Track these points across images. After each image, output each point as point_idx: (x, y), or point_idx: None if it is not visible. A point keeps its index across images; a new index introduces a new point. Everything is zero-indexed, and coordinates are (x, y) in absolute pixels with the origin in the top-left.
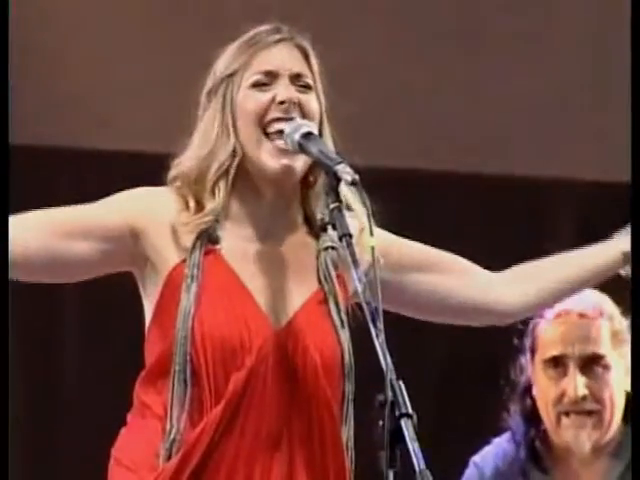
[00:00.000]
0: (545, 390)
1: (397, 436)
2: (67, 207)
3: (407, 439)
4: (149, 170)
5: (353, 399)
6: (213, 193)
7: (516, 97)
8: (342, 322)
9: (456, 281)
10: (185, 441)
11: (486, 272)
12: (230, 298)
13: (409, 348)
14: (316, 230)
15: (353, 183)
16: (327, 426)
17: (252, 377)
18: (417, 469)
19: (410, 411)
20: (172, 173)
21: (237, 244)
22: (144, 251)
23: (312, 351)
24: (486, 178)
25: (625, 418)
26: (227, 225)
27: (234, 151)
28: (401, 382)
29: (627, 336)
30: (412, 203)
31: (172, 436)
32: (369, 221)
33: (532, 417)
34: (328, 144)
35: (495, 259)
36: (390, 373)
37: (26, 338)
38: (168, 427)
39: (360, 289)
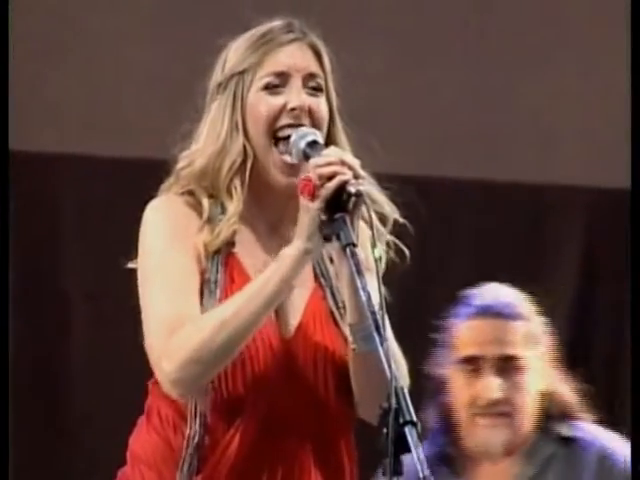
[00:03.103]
0: (459, 390)
1: (401, 443)
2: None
3: (411, 445)
4: (152, 177)
5: None
6: (229, 192)
7: (519, 104)
8: (340, 312)
9: None
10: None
11: None
12: None
13: None
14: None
15: (357, 195)
16: (340, 430)
17: (262, 389)
18: (421, 475)
19: (414, 418)
20: (185, 171)
21: (248, 243)
22: None
23: (322, 357)
24: (488, 185)
25: (537, 423)
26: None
27: (245, 151)
28: (405, 389)
29: (543, 337)
30: (414, 210)
31: (196, 440)
32: (372, 231)
33: (447, 415)
34: (342, 142)
35: (493, 265)
36: (394, 381)
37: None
38: (191, 433)
39: (364, 298)
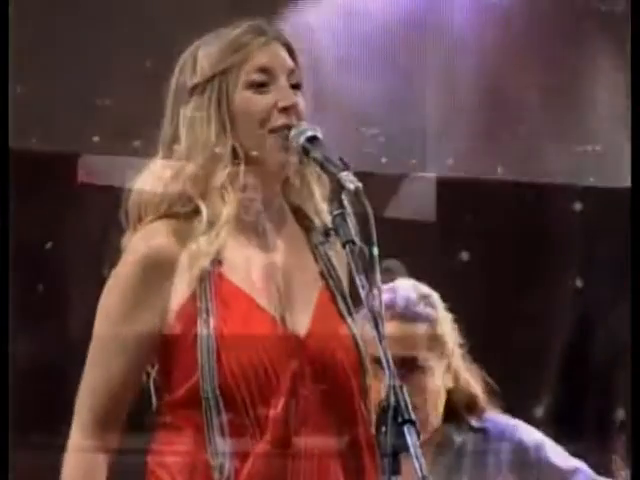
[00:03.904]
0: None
1: (400, 442)
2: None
3: (410, 445)
4: None
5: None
6: (222, 197)
7: (516, 102)
8: (351, 315)
9: None
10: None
11: None
12: (249, 322)
13: None
14: (302, 220)
15: (356, 191)
16: (360, 425)
17: (291, 397)
18: (420, 475)
19: (413, 417)
20: (176, 180)
21: (238, 254)
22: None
23: (336, 357)
24: (487, 185)
25: (446, 417)
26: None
27: (234, 152)
28: (404, 388)
29: (450, 335)
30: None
31: (226, 474)
32: (371, 229)
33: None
34: None
35: (493, 265)
36: (393, 379)
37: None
38: (217, 463)
39: (363, 295)
